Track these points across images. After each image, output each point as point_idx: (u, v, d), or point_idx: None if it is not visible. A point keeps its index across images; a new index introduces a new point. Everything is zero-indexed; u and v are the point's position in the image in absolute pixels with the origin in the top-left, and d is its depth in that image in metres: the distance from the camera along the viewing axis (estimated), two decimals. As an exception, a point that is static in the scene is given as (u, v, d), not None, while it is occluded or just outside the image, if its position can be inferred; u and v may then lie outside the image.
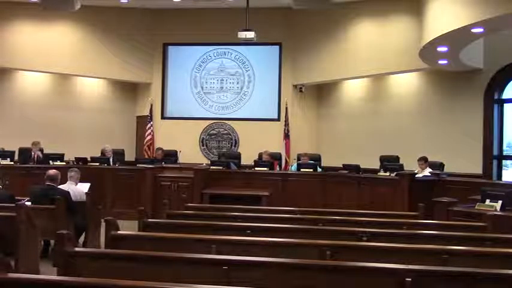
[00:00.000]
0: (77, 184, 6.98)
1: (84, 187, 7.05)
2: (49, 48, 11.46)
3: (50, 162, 9.47)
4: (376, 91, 11.38)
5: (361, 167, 9.09)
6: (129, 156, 11.75)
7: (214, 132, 12.55)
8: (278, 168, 10.03)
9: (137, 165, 9.90)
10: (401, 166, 8.62)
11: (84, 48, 11.91)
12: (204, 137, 12.59)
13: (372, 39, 10.57)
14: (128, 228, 4.40)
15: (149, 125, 12.35)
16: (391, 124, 10.81)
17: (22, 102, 11.85)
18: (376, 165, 9.25)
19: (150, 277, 3.04)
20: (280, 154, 11.16)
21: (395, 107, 10.90)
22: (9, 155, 9.48)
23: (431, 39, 7.83)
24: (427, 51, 8.51)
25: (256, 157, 10.30)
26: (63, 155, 9.80)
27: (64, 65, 11.69)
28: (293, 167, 10.04)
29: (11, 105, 11.73)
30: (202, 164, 10.53)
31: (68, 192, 6.46)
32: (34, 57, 11.30)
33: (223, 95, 12.66)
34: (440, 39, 7.63)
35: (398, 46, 9.96)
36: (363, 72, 10.86)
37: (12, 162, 9.37)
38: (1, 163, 9.07)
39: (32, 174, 8.81)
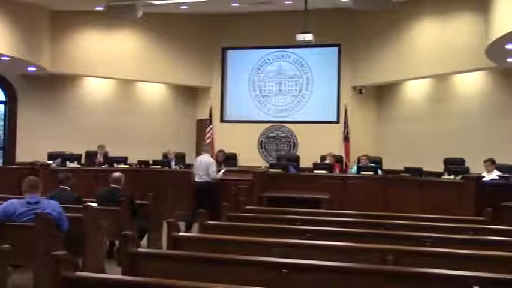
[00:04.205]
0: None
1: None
2: (112, 55, 11.92)
3: (114, 165, 9.81)
4: (440, 91, 11.03)
5: (424, 170, 8.82)
6: (190, 159, 11.90)
7: (273, 135, 12.59)
8: (337, 171, 9.86)
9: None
10: (467, 169, 8.30)
11: (146, 54, 12.29)
12: (263, 139, 12.65)
13: (434, 38, 10.26)
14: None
15: (209, 128, 12.58)
16: (456, 125, 10.43)
17: (87, 108, 12.38)
18: (439, 168, 8.95)
19: (210, 278, 3.06)
20: (342, 157, 11.06)
21: (460, 108, 10.51)
22: (76, 158, 9.86)
23: (499, 36, 7.49)
24: (495, 49, 8.14)
25: (315, 159, 10.21)
26: (126, 158, 10.11)
27: (127, 70, 12.11)
28: (353, 170, 9.88)
29: (77, 111, 12.27)
30: (261, 166, 10.58)
31: (132, 194, 6.65)
32: (98, 63, 11.76)
33: (282, 97, 12.68)
34: (509, 36, 7.28)
35: (462, 44, 9.60)
36: (426, 72, 10.55)
37: (79, 165, 9.74)
38: (69, 166, 9.46)
39: (98, 177, 9.12)
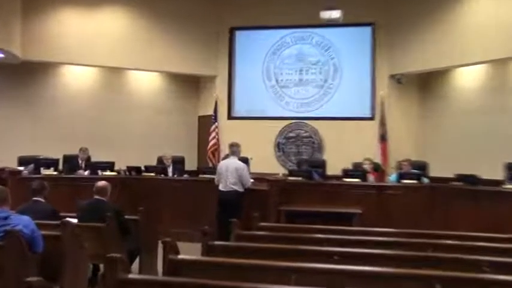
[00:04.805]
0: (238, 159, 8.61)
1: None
2: (96, 39, 11.99)
3: (99, 172, 9.85)
4: (498, 80, 10.92)
5: (480, 177, 8.74)
6: (191, 164, 12.02)
7: (293, 134, 12.60)
8: (373, 179, 9.81)
9: (200, 175, 10.07)
10: (534, 176, 8.23)
11: (137, 37, 12.36)
12: (280, 140, 12.66)
13: (491, 15, 10.17)
14: (189, 251, 4.45)
15: (213, 127, 12.62)
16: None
17: (66, 102, 12.48)
18: (499, 175, 8.87)
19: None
20: (380, 164, 10.94)
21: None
22: (53, 163, 9.83)
23: None
24: None
25: (344, 165, 10.19)
26: (113, 163, 10.11)
27: (114, 57, 12.19)
28: (392, 178, 9.83)
29: (54, 106, 12.38)
30: (278, 174, 10.61)
31: (121, 209, 6.65)
32: (79, 49, 11.84)
33: (303, 88, 12.68)
34: None
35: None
36: (480, 57, 10.47)
37: (56, 172, 9.76)
38: (43, 173, 9.46)
39: (79, 186, 9.17)
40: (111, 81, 12.92)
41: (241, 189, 8.53)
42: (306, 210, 8.59)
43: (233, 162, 8.68)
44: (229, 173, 8.53)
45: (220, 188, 8.61)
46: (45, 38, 11.60)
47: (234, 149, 8.86)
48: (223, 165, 8.79)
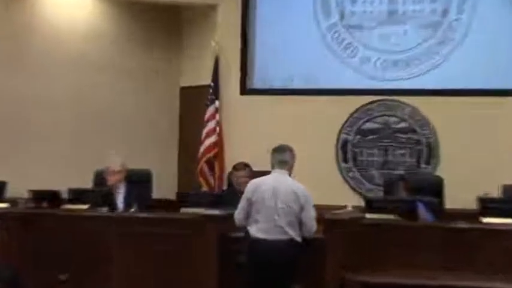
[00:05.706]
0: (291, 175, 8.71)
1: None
2: None
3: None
4: None
5: None
6: (164, 185, 12.13)
7: (375, 125, 12.54)
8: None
9: (181, 209, 9.90)
10: None
11: None
12: (349, 137, 12.59)
13: None
14: None
15: (212, 110, 12.67)
16: None
17: None
18: None
19: None
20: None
21: None
22: None
23: None
24: None
25: (483, 189, 9.99)
26: (3, 184, 10.19)
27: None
28: None
29: None
30: (346, 206, 10.45)
31: (17, 276, 6.31)
32: None
33: (397, 30, 12.64)
34: None
35: None
36: None
37: None
38: None
39: None
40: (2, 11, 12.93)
41: (298, 238, 8.33)
42: (403, 283, 8.34)
43: (285, 181, 8.46)
44: (281, 203, 8.28)
45: (255, 233, 8.38)
46: None
47: (285, 156, 8.68)
48: (263, 186, 8.50)
